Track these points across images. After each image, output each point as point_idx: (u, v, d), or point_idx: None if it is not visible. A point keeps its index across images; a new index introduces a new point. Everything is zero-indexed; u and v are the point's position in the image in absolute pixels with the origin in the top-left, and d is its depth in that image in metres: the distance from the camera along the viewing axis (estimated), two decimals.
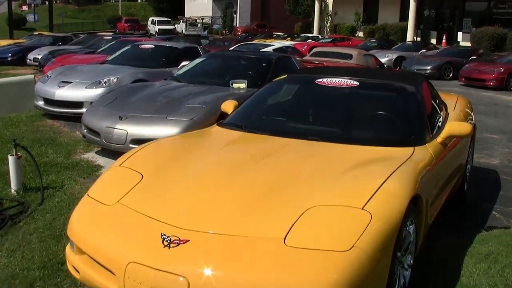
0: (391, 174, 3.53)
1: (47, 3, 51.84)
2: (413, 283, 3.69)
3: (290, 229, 3.06)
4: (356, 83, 5.06)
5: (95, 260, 3.28)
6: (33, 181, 5.97)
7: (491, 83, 18.50)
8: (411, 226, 3.55)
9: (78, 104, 9.77)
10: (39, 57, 19.84)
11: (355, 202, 3.22)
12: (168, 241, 3.05)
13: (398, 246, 3.29)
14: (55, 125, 9.65)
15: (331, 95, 5.12)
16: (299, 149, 4.27)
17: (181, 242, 3.04)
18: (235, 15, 59.00)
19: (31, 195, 5.58)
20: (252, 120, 5.01)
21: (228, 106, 5.30)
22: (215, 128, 4.91)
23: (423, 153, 4.15)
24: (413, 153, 4.04)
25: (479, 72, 19.01)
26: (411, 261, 3.67)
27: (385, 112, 4.93)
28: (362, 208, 3.15)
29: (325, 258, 2.85)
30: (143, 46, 12.30)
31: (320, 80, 5.16)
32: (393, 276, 3.24)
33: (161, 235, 3.10)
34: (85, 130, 7.65)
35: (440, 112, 5.35)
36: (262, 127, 4.82)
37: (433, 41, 32.76)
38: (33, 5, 66.26)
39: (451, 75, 21.58)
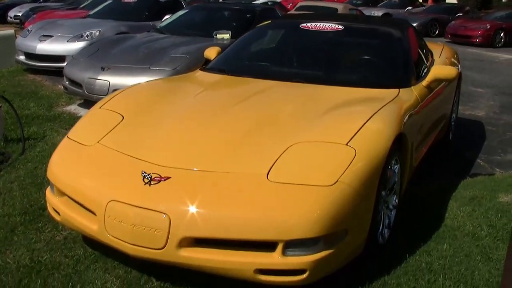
0: (375, 113, 3.49)
1: None
2: (397, 224, 3.69)
3: (273, 165, 3.02)
4: (341, 27, 4.97)
5: (75, 201, 3.23)
6: (14, 133, 5.88)
7: (477, 40, 18.44)
8: (396, 166, 3.53)
9: (60, 58, 9.61)
10: (20, 14, 19.44)
11: (339, 138, 3.18)
12: (149, 179, 3.00)
13: (383, 184, 3.27)
14: (36, 80, 9.51)
15: (315, 39, 5.03)
16: (283, 90, 4.21)
17: (162, 179, 2.99)
18: None
19: (12, 146, 5.50)
20: (235, 64, 4.93)
21: (211, 52, 5.21)
22: (198, 73, 4.82)
23: (408, 94, 4.11)
24: (398, 94, 3.99)
25: (465, 29, 18.92)
26: (396, 202, 3.66)
27: (370, 55, 4.86)
28: (346, 144, 3.11)
29: (309, 193, 2.82)
30: (125, 0, 12.05)
31: (305, 24, 5.06)
32: (377, 215, 3.22)
33: (142, 173, 3.04)
34: (67, 82, 7.54)
35: (426, 58, 5.30)
36: (246, 70, 4.75)
37: None
38: None
39: (437, 32, 21.49)
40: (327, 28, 4.97)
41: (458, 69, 5.56)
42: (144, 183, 2.98)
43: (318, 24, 5.02)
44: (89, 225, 3.09)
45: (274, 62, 5.04)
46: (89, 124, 3.76)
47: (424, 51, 5.43)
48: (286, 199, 2.81)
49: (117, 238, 2.93)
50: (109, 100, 3.97)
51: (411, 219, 3.94)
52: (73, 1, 19.49)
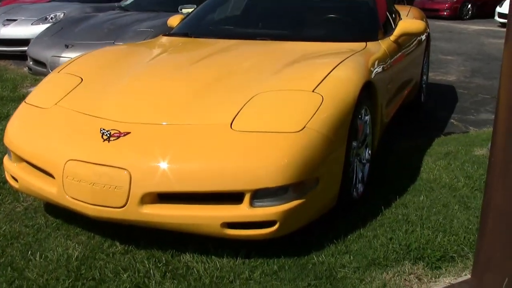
0: (341, 62, 3.36)
1: None
2: (371, 180, 3.58)
3: (237, 114, 2.87)
4: None
5: (33, 165, 3.05)
6: None
7: (445, 13, 18.45)
8: (366, 117, 3.40)
9: (25, 42, 9.24)
10: None
11: (304, 86, 3.04)
12: (108, 135, 2.83)
13: (353, 134, 3.14)
14: (1, 64, 9.22)
15: (281, 1, 4.89)
16: (247, 47, 4.07)
17: (122, 135, 2.82)
18: None
19: None
20: (199, 27, 4.75)
21: (174, 20, 5.05)
22: (161, 38, 4.65)
23: (376, 47, 3.99)
24: (365, 47, 3.88)
25: (432, 3, 18.89)
26: (369, 155, 3.55)
27: (335, 13, 4.72)
28: (313, 91, 2.97)
29: (275, 140, 2.68)
30: None
31: None
32: (349, 166, 3.10)
33: (101, 130, 2.88)
34: (31, 62, 7.36)
35: (393, 18, 5.18)
36: (209, 32, 4.61)
37: None
38: None
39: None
40: None
41: (426, 27, 5.46)
42: (103, 140, 2.82)
43: None
44: (48, 189, 2.93)
45: (239, 23, 4.89)
46: (46, 88, 3.58)
47: (391, 11, 5.31)
48: (251, 148, 2.67)
49: (76, 199, 2.77)
50: (68, 65, 3.80)
51: (385, 174, 3.84)
52: None
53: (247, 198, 2.59)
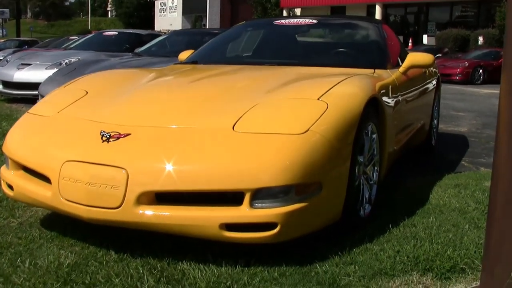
0: (347, 78, 3.32)
1: None
2: (379, 204, 3.46)
3: (240, 118, 2.80)
4: (315, 21, 4.87)
5: (30, 171, 2.98)
6: None
7: (457, 77, 18.60)
8: (373, 135, 3.31)
9: (38, 85, 9.39)
10: (2, 58, 19.34)
11: (310, 94, 2.99)
12: (108, 137, 2.77)
13: (359, 148, 3.05)
14: (13, 107, 9.31)
15: (290, 31, 4.91)
16: (255, 69, 4.04)
17: (122, 136, 2.76)
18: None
19: None
20: (208, 56, 4.76)
21: (185, 54, 5.07)
22: (170, 66, 4.65)
23: (384, 73, 3.95)
24: (373, 73, 3.84)
25: (444, 67, 19.05)
26: (376, 178, 3.43)
27: (345, 43, 4.73)
28: (318, 99, 2.91)
29: (278, 141, 2.59)
30: (106, 33, 12.01)
31: (278, 21, 4.97)
32: (355, 180, 2.99)
33: (101, 133, 2.82)
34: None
35: (403, 55, 5.17)
36: (218, 60, 4.60)
37: None
38: (1, 19, 65.26)
39: None
40: (301, 23, 4.86)
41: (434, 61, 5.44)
42: (102, 141, 2.75)
43: (292, 20, 4.93)
44: (43, 193, 2.84)
45: (249, 53, 4.88)
46: (50, 99, 3.57)
47: (401, 47, 5.31)
48: (253, 148, 2.59)
49: (71, 201, 2.68)
50: (75, 81, 3.79)
51: (394, 199, 3.71)
52: (57, 44, 19.48)
53: (247, 198, 2.48)
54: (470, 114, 9.81)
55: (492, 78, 18.68)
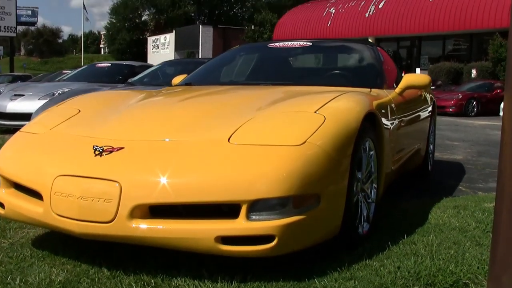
0: (344, 93, 3.29)
1: None
2: (377, 221, 3.39)
3: (235, 131, 2.75)
4: (309, 43, 4.87)
5: (22, 187, 2.92)
6: None
7: (451, 110, 18.70)
8: (371, 152, 3.27)
9: (30, 116, 9.36)
10: None
11: (306, 108, 2.95)
12: (100, 151, 2.71)
13: (357, 163, 3.00)
14: (6, 137, 9.18)
15: (284, 54, 4.90)
16: (250, 89, 4.00)
17: (115, 150, 2.70)
18: None
19: None
20: (203, 78, 4.73)
21: (178, 79, 5.06)
22: (164, 88, 4.62)
23: (381, 92, 3.93)
24: (370, 91, 3.82)
25: (438, 100, 19.14)
26: (375, 196, 3.37)
27: (340, 64, 4.71)
28: (315, 112, 2.87)
29: (274, 152, 2.54)
30: (99, 64, 12.03)
31: (272, 44, 4.97)
32: (353, 196, 2.93)
33: (93, 147, 2.76)
34: None
35: (398, 79, 5.17)
36: (212, 81, 4.57)
37: None
38: None
39: None
40: (295, 45, 4.85)
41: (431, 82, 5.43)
42: (94, 155, 2.69)
43: (286, 43, 4.92)
44: (34, 209, 2.77)
45: (243, 75, 4.86)
46: (42, 118, 3.52)
47: (398, 73, 5.31)
48: (249, 159, 2.53)
49: (63, 216, 2.60)
50: (67, 100, 3.75)
51: (392, 218, 3.65)
52: (50, 78, 19.53)
53: (243, 210, 2.42)
54: (465, 144, 9.80)
55: (486, 109, 18.80)
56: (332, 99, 3.08)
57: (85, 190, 2.54)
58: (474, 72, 25.30)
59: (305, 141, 2.59)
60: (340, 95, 3.21)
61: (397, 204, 4.22)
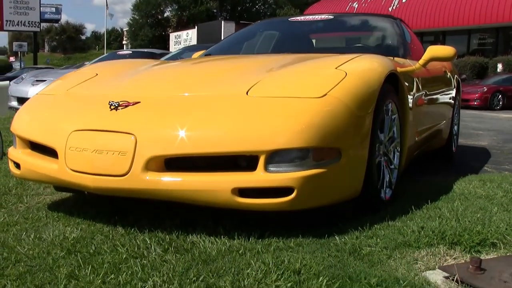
0: (365, 54, 3.19)
1: None
2: (399, 188, 3.29)
3: (254, 85, 2.67)
4: (331, 16, 4.77)
5: (38, 147, 2.87)
6: None
7: (475, 103, 18.37)
8: (394, 116, 3.16)
9: None
10: None
11: (327, 65, 2.87)
12: (116, 105, 2.65)
13: (379, 124, 2.90)
14: None
15: (306, 29, 4.81)
16: (272, 55, 3.93)
17: (130, 104, 2.64)
18: None
19: None
20: (222, 51, 4.65)
21: (197, 55, 4.99)
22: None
23: (403, 61, 3.81)
24: (392, 59, 3.71)
25: (462, 93, 18.84)
26: (397, 163, 3.27)
27: (362, 35, 4.60)
28: (336, 68, 2.78)
29: (294, 104, 2.46)
30: (120, 52, 12.05)
31: (294, 18, 4.87)
32: (376, 157, 2.84)
33: (109, 102, 2.70)
34: None
35: (422, 52, 5.04)
36: (232, 50, 4.49)
37: None
38: (19, 52, 66.33)
39: None
40: (316, 19, 4.76)
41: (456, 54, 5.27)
42: (110, 110, 2.63)
43: (308, 17, 4.83)
44: (49, 166, 2.72)
45: (264, 47, 4.77)
46: (60, 81, 3.49)
47: (422, 49, 5.18)
48: (268, 110, 2.45)
49: (77, 171, 2.55)
50: (86, 66, 3.73)
51: (415, 187, 3.54)
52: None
53: (261, 162, 2.34)
54: (490, 132, 9.61)
55: (511, 103, 18.45)
56: (353, 58, 2.98)
57: (100, 144, 2.49)
58: (500, 66, 24.88)
59: (325, 94, 2.51)
60: (361, 55, 3.11)
61: (421, 177, 4.10)
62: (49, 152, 2.79)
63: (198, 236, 2.49)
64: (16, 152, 3.04)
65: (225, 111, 2.50)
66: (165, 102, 2.65)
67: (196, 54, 5.02)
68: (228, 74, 3.00)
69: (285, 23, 5.06)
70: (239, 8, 64.84)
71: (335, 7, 35.41)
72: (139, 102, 2.64)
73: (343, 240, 2.41)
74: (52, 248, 2.40)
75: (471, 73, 26.52)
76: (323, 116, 2.41)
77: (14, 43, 60.64)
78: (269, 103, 2.49)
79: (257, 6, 66.66)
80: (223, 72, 3.05)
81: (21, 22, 29.37)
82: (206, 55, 4.52)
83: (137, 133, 2.44)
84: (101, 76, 3.34)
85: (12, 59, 77.61)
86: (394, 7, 31.59)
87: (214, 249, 2.31)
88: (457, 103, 5.91)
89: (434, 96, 4.55)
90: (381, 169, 3.00)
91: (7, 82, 11.43)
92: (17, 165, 3.01)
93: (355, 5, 34.35)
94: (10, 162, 3.13)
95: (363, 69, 2.89)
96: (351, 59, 2.96)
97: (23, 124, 3.04)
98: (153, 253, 2.30)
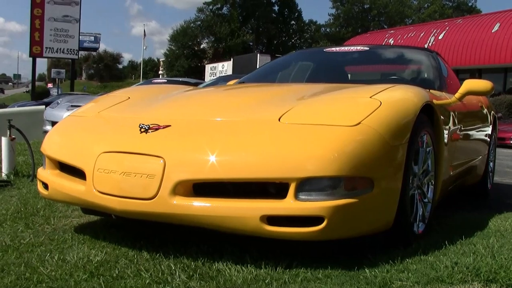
0: (401, 85, 3.13)
1: None
2: (433, 224, 3.19)
3: (287, 112, 2.63)
4: (366, 48, 4.72)
5: (66, 168, 2.87)
6: (24, 168, 5.59)
7: (511, 141, 18.02)
8: (428, 148, 3.08)
9: None
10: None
11: (361, 94, 2.81)
12: (146, 128, 2.64)
13: (413, 156, 2.82)
14: None
15: (341, 60, 4.78)
16: (306, 84, 3.89)
17: (161, 127, 2.63)
18: None
19: (22, 179, 5.17)
20: (257, 77, 4.64)
21: (232, 82, 5.00)
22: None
23: (439, 94, 3.73)
24: (428, 91, 3.64)
25: (498, 132, 18.55)
26: (431, 197, 3.18)
27: (397, 68, 4.54)
28: (370, 97, 2.73)
29: (326, 131, 2.41)
30: (156, 80, 12.18)
31: (329, 48, 4.84)
32: (409, 189, 2.75)
33: (139, 125, 2.69)
34: None
35: (458, 86, 4.95)
36: (266, 79, 4.47)
37: None
38: (56, 78, 67.84)
39: None
40: (352, 50, 4.72)
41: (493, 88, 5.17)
42: (140, 132, 2.62)
43: (343, 48, 4.80)
44: (77, 187, 2.71)
45: (299, 77, 4.75)
46: (92, 104, 3.50)
47: (458, 82, 5.10)
48: (299, 137, 2.40)
49: (104, 193, 2.53)
50: (119, 90, 3.76)
51: (448, 223, 3.44)
52: None
53: (292, 189, 2.28)
54: None
55: None
56: (388, 88, 2.93)
57: (128, 166, 2.47)
58: None
59: (359, 123, 2.46)
60: (396, 85, 3.06)
61: (455, 212, 3.98)
62: (78, 173, 2.78)
63: (224, 264, 2.43)
64: (44, 173, 3.05)
65: (256, 137, 2.46)
66: (196, 126, 2.63)
67: (230, 82, 5.03)
68: (260, 100, 2.97)
69: (320, 53, 5.04)
70: (275, 42, 65.40)
71: (371, 42, 35.42)
72: (170, 125, 2.63)
73: (373, 273, 2.33)
74: (75, 271, 2.37)
75: (507, 111, 26.12)
76: (355, 145, 2.35)
77: (52, 69, 62.02)
78: (301, 130, 2.44)
79: (293, 40, 67.16)
80: (255, 98, 3.03)
81: (60, 49, 30.11)
82: (240, 82, 4.51)
83: (166, 157, 2.41)
84: (133, 99, 3.35)
85: (50, 85, 79.34)
86: (430, 44, 31.43)
87: (240, 277, 2.25)
88: (493, 140, 5.78)
89: (470, 131, 4.45)
90: (415, 202, 2.91)
91: (43, 106, 11.63)
92: (45, 186, 3.01)
93: (391, 41, 34.32)
94: (38, 182, 3.14)
95: (398, 98, 2.83)
96: (386, 88, 2.91)
97: (53, 144, 3.05)
98: (177, 279, 2.25)
